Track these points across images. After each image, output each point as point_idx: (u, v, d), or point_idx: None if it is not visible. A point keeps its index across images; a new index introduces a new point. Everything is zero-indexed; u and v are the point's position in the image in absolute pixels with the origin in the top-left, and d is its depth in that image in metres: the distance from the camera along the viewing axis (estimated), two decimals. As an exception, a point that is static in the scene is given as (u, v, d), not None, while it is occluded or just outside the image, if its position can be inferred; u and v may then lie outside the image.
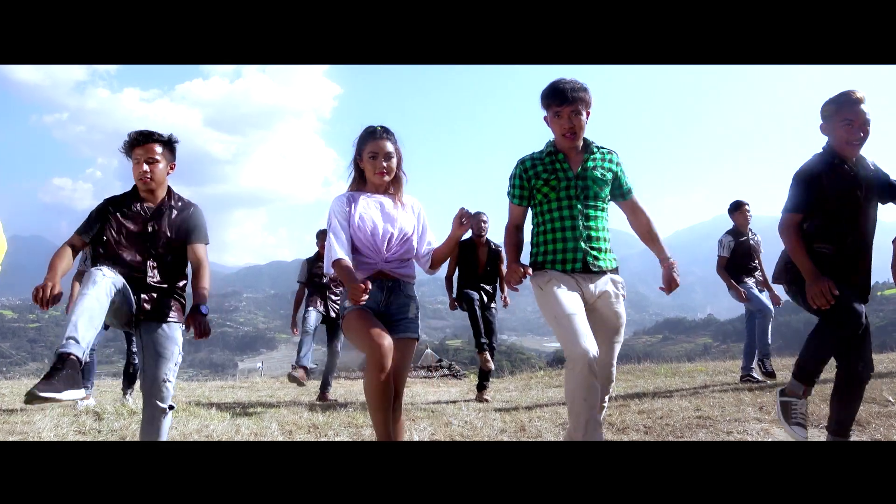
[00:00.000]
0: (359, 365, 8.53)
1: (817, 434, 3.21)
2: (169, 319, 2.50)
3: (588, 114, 2.40)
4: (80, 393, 2.06)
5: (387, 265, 2.38)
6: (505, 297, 5.51)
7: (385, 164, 2.38)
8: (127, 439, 3.46)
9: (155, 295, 2.49)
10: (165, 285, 2.52)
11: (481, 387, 5.42)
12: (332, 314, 5.40)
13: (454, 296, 5.50)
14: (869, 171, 2.54)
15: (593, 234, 2.39)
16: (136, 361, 4.96)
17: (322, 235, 5.33)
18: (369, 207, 2.40)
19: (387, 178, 2.40)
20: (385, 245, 2.37)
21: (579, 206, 2.39)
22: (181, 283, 2.60)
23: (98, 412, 4.10)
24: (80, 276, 4.55)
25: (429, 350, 10.54)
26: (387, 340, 2.16)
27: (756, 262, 5.37)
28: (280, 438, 3.57)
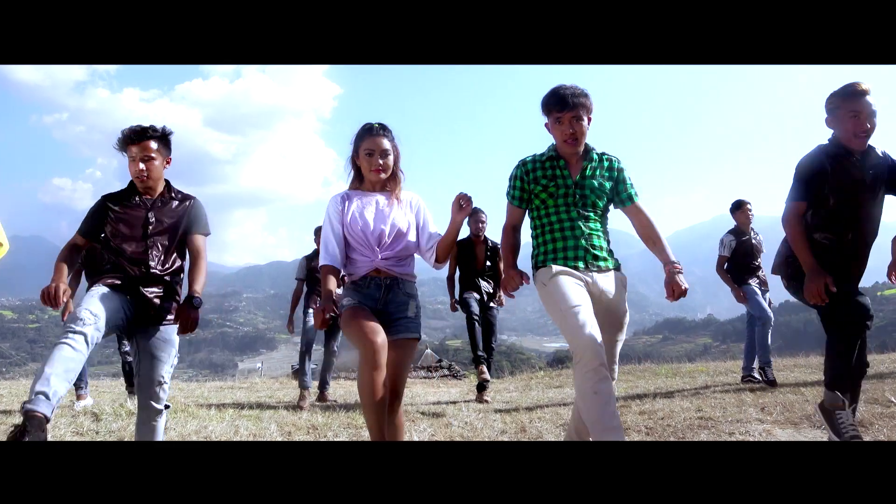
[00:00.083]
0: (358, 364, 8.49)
1: (820, 435, 3.20)
2: (165, 322, 2.48)
3: (589, 119, 2.39)
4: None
5: (383, 262, 2.35)
6: (500, 297, 5.51)
7: (381, 162, 2.36)
8: (125, 440, 3.44)
9: (155, 290, 2.46)
10: (168, 278, 2.49)
11: (481, 387, 5.41)
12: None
13: (455, 297, 5.53)
14: (878, 160, 2.49)
15: (594, 235, 2.38)
16: (131, 359, 4.95)
17: (319, 232, 5.31)
18: (363, 206, 2.38)
19: (383, 176, 2.38)
20: (378, 242, 2.34)
21: (577, 212, 2.38)
22: (180, 276, 2.58)
23: (96, 413, 4.08)
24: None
25: (429, 350, 10.53)
26: (380, 337, 2.13)
27: (759, 261, 5.34)
28: (279, 440, 3.55)
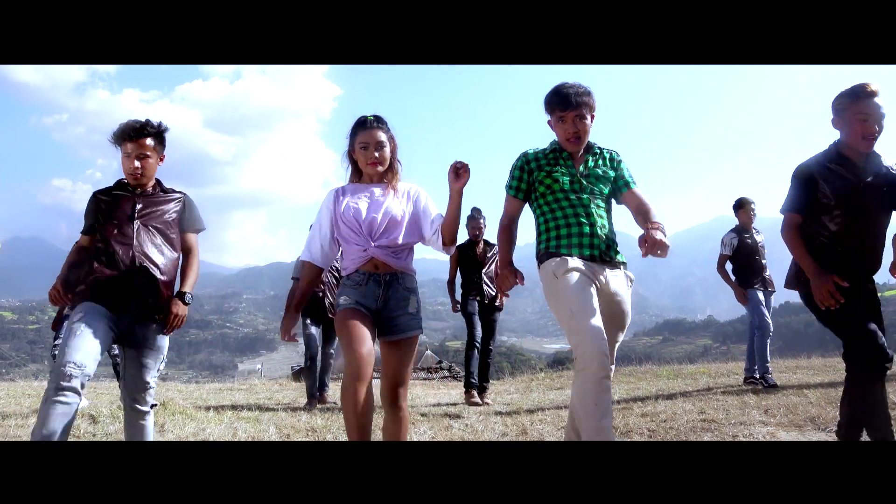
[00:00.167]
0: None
1: (824, 436, 3.17)
2: (154, 322, 2.44)
3: (592, 118, 2.37)
4: None
5: (379, 251, 2.26)
6: (501, 300, 5.49)
7: (377, 154, 2.31)
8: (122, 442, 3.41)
9: (147, 290, 2.41)
10: (157, 270, 2.44)
11: (482, 389, 5.38)
12: (330, 315, 5.32)
13: (457, 299, 5.52)
14: (881, 170, 2.44)
15: (604, 224, 2.35)
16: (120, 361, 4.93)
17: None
18: (358, 197, 2.34)
19: (380, 168, 2.34)
20: (370, 230, 2.27)
21: (585, 198, 2.35)
22: (172, 276, 2.54)
23: (93, 415, 4.04)
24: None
25: (429, 352, 10.52)
26: (366, 347, 2.10)
27: (763, 260, 5.28)
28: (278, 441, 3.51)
